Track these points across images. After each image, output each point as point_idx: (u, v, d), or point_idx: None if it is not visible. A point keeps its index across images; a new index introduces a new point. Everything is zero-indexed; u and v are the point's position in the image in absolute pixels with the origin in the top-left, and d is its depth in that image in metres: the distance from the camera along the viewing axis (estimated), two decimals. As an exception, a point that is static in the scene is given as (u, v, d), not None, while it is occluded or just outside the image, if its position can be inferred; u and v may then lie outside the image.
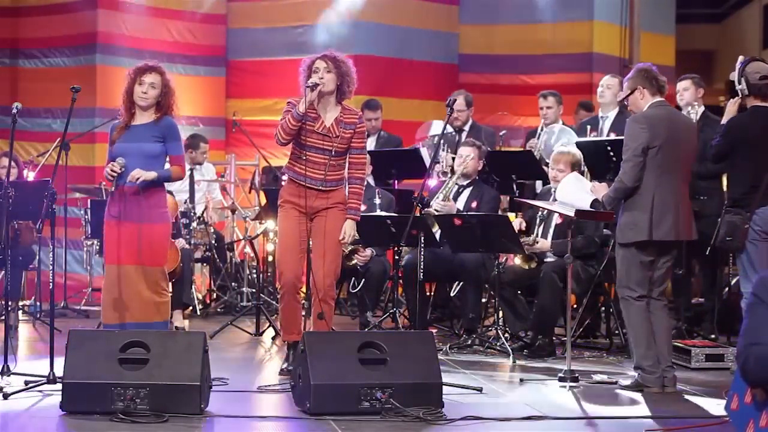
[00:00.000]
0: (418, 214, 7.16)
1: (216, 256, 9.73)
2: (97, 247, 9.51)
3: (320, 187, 6.23)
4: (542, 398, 5.94)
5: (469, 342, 7.55)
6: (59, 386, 5.34)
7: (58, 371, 5.49)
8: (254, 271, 9.64)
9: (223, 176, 10.67)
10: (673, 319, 7.17)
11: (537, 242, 7.42)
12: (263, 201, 8.98)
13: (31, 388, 5.71)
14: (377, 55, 11.68)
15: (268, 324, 8.15)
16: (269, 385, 6.07)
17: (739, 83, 6.20)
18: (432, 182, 8.33)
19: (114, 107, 8.02)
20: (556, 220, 7.47)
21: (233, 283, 9.93)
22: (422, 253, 7.20)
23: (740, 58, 6.26)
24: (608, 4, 12.05)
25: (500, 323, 7.60)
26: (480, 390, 6.05)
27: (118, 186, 6.17)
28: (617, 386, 6.23)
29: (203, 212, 9.57)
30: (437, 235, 7.57)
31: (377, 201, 8.23)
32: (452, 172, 8.06)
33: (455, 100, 7.53)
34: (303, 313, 6.42)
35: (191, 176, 9.80)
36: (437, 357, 5.57)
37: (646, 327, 6.09)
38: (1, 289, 7.60)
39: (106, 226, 6.29)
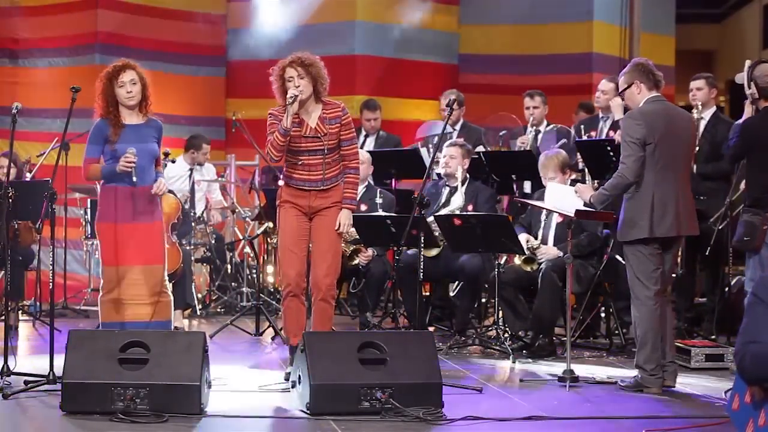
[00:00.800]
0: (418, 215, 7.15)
1: (216, 256, 9.73)
2: (97, 247, 9.51)
3: (321, 187, 6.23)
4: (542, 398, 5.94)
5: (463, 341, 7.55)
6: (59, 386, 5.34)
7: (58, 371, 5.49)
8: (254, 271, 9.64)
9: (223, 176, 10.67)
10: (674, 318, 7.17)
11: (542, 252, 7.40)
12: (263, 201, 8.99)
13: (31, 388, 5.72)
14: (377, 55, 11.68)
15: (268, 324, 8.15)
16: (269, 385, 6.08)
17: (749, 87, 6.17)
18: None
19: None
20: (556, 219, 7.48)
21: (233, 283, 9.93)
22: (422, 253, 7.21)
23: (747, 62, 6.23)
24: (608, 4, 12.04)
25: (500, 323, 7.59)
26: (480, 390, 6.05)
27: (123, 185, 6.17)
28: (617, 386, 6.23)
29: (203, 212, 9.56)
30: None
31: (378, 201, 8.23)
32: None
33: (455, 100, 7.53)
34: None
35: (191, 176, 9.81)
36: (437, 357, 5.57)
37: (655, 330, 6.07)
38: (1, 289, 7.60)
39: (101, 229, 6.28)
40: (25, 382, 5.78)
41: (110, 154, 6.21)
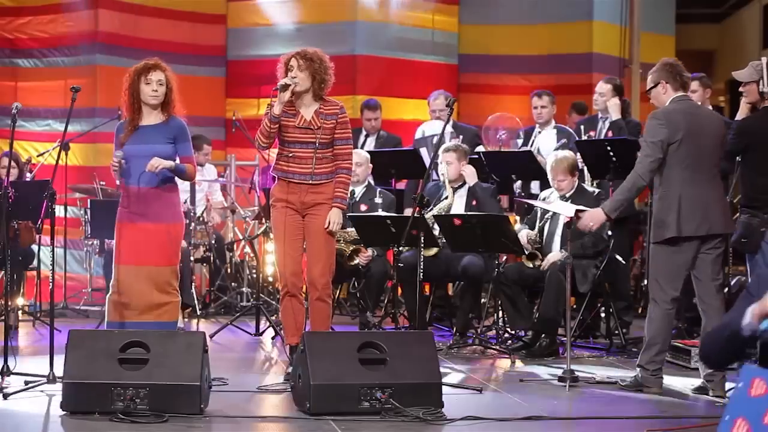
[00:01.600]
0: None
1: (216, 256, 9.73)
2: (97, 248, 9.52)
3: (310, 182, 6.22)
4: (542, 398, 5.94)
5: (463, 341, 7.56)
6: (59, 386, 5.34)
7: (58, 371, 5.50)
8: (254, 271, 9.64)
9: (223, 176, 10.67)
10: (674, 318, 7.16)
11: (546, 262, 7.40)
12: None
13: (31, 388, 5.72)
14: (377, 55, 11.68)
15: (268, 324, 8.15)
16: (269, 385, 6.08)
17: (765, 86, 6.14)
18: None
19: (114, 107, 8.02)
20: (563, 220, 7.47)
21: (233, 283, 9.93)
22: (422, 253, 7.21)
23: (764, 60, 6.20)
24: (608, 4, 12.04)
25: (500, 323, 7.59)
26: (480, 390, 6.06)
27: (129, 185, 6.17)
28: (617, 386, 6.23)
29: (203, 212, 9.57)
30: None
31: (378, 201, 8.23)
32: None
33: (455, 100, 7.54)
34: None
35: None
36: (437, 357, 5.57)
37: (665, 333, 6.07)
38: (1, 289, 7.60)
39: (120, 227, 6.23)
40: (25, 382, 5.79)
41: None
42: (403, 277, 7.56)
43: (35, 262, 8.72)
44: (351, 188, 7.61)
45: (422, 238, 7.11)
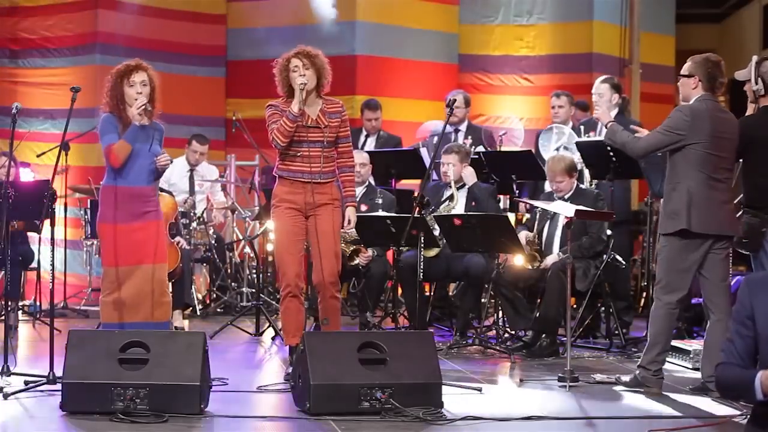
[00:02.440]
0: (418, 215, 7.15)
1: (216, 256, 9.73)
2: (97, 247, 9.51)
3: (318, 180, 6.23)
4: (542, 398, 5.94)
5: (463, 341, 7.55)
6: (59, 386, 5.34)
7: (58, 371, 5.49)
8: (254, 271, 9.64)
9: (223, 176, 10.67)
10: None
11: (545, 264, 7.40)
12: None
13: (31, 388, 5.72)
14: (377, 55, 11.67)
15: (268, 324, 8.15)
16: (269, 385, 6.07)
17: (756, 83, 6.13)
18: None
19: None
20: (562, 220, 7.46)
21: (233, 283, 9.93)
22: (422, 253, 7.21)
23: (754, 58, 6.20)
24: (608, 4, 12.03)
25: (500, 323, 7.58)
26: (480, 390, 6.05)
27: (125, 185, 6.18)
28: (617, 384, 6.22)
29: (203, 212, 9.57)
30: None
31: (379, 201, 8.23)
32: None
33: (455, 99, 7.53)
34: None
35: (191, 177, 9.81)
36: (437, 357, 5.57)
37: (667, 333, 6.06)
38: (1, 289, 7.60)
39: (101, 230, 6.28)
40: (25, 382, 5.78)
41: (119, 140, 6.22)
42: (403, 277, 7.57)
43: (35, 263, 8.72)
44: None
45: (422, 238, 7.13)
